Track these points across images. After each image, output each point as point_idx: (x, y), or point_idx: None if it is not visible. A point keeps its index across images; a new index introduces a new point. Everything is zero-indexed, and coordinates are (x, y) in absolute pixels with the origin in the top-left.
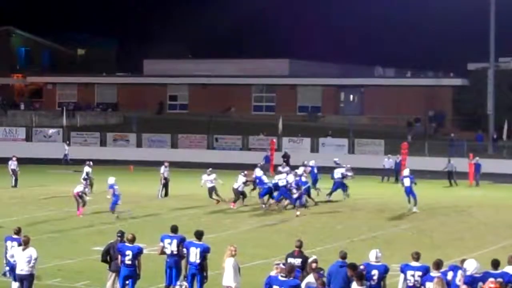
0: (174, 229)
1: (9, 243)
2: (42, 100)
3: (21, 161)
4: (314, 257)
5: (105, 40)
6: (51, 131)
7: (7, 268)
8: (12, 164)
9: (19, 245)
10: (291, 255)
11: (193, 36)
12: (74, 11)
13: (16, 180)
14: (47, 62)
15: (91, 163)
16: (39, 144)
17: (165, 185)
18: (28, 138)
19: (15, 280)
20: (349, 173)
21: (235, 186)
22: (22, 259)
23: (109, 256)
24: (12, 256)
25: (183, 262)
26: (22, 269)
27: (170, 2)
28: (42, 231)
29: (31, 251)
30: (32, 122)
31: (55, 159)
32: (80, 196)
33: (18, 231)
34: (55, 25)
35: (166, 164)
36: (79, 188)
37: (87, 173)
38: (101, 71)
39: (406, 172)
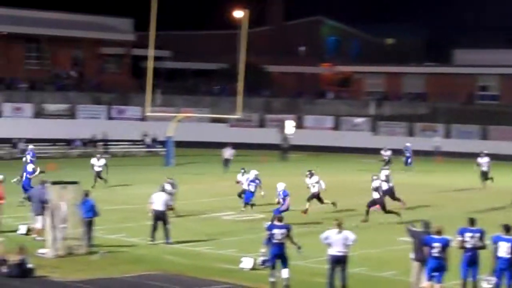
0: (473, 222)
1: (276, 230)
2: (350, 89)
3: (328, 149)
4: None
5: (414, 29)
6: (358, 120)
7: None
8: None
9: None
10: None
11: (509, 24)
12: (383, 0)
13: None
14: (356, 52)
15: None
16: (346, 133)
17: None
18: (336, 127)
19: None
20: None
21: None
22: (338, 241)
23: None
24: (326, 238)
25: (490, 257)
26: (338, 250)
27: None
28: (350, 220)
29: (348, 234)
30: (340, 111)
31: (363, 148)
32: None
33: (280, 219)
34: (364, 14)
35: None
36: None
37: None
38: (410, 60)
39: None
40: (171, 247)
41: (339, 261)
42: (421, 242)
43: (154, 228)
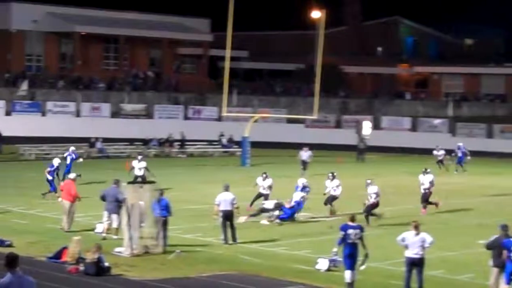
0: None
1: (351, 231)
2: (427, 90)
3: (405, 151)
4: None
5: (493, 30)
6: (436, 121)
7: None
8: (304, 155)
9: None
10: None
11: None
12: (462, 0)
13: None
14: (434, 52)
15: None
16: (424, 134)
17: None
18: (413, 128)
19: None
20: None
21: None
22: (415, 243)
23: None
24: (403, 240)
25: None
26: (415, 253)
27: None
28: (427, 223)
29: (425, 236)
30: (418, 112)
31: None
32: None
33: (353, 219)
34: (442, 15)
35: None
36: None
37: None
38: (489, 61)
39: None
40: (247, 247)
41: (416, 264)
42: (500, 246)
43: (225, 228)
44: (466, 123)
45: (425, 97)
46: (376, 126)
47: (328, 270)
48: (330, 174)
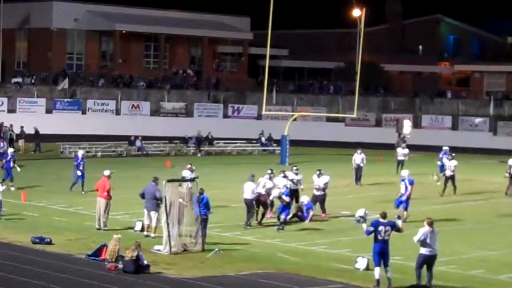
0: None
1: (381, 227)
2: (469, 89)
3: None
4: None
5: None
6: (477, 120)
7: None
8: (358, 159)
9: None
10: None
11: None
12: None
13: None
14: (476, 51)
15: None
16: (464, 133)
17: None
18: (454, 126)
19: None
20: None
21: None
22: (432, 239)
23: None
24: (424, 238)
25: None
26: (433, 249)
27: None
28: (472, 223)
29: (437, 231)
30: (459, 111)
31: (481, 148)
32: None
33: (384, 215)
34: (484, 13)
35: None
36: None
37: None
38: None
39: None
40: (286, 245)
41: (433, 260)
42: None
43: (248, 214)
44: (507, 122)
45: (466, 95)
46: (417, 124)
47: (367, 269)
48: (318, 171)
